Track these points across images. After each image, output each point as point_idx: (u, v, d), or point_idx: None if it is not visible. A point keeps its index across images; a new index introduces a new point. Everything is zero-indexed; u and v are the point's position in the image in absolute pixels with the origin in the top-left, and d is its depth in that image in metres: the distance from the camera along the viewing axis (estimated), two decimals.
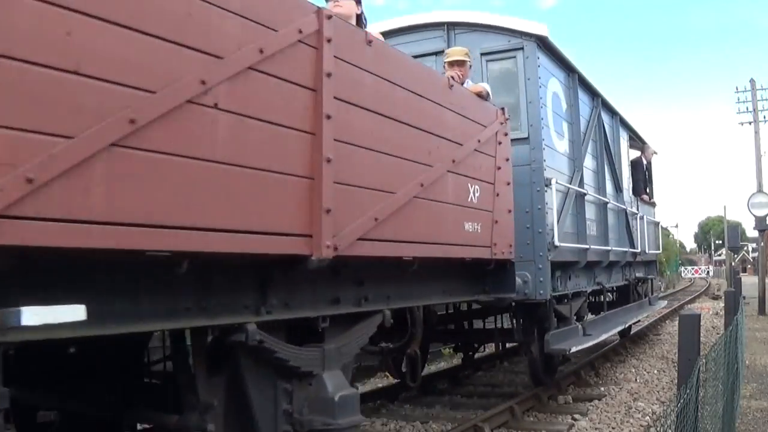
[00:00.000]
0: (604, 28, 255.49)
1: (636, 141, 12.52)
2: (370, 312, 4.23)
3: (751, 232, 35.91)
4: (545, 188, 6.75)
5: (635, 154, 12.54)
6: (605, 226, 9.01)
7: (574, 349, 7.12)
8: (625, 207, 10.42)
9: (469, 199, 5.07)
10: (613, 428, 6.36)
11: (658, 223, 14.23)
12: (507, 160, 5.72)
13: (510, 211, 5.68)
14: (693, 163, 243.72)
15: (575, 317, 8.20)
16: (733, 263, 34.29)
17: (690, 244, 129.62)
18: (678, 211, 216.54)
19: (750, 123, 26.17)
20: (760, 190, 22.28)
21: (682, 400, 2.94)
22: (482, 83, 6.19)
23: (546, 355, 7.28)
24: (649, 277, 12.97)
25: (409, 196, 4.21)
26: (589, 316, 9.33)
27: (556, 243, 6.73)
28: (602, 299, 9.80)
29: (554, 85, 7.63)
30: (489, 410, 6.60)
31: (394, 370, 7.64)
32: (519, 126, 6.81)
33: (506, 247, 5.56)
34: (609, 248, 9.03)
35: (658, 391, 8.03)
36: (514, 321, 7.34)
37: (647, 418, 6.68)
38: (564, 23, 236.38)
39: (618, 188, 10.14)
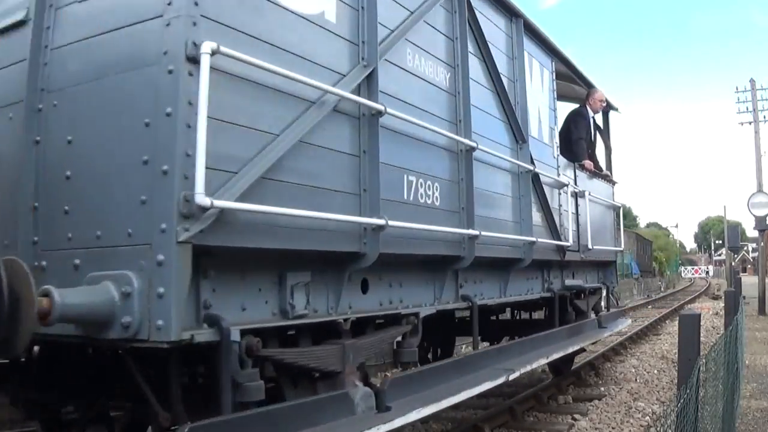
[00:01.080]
0: (604, 27, 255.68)
1: (575, 81, 8.36)
2: None
3: (751, 232, 35.99)
4: (189, 67, 2.78)
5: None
6: (467, 191, 5.02)
7: None
8: (531, 168, 6.11)
9: None
10: (613, 428, 6.36)
11: (619, 207, 9.29)
12: None
13: None
14: (693, 162, 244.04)
15: (363, 373, 4.06)
16: (733, 263, 34.37)
17: (690, 244, 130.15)
18: (678, 211, 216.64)
19: (750, 123, 26.26)
20: (760, 190, 22.35)
21: (682, 400, 2.93)
22: None
23: None
24: (598, 285, 8.56)
25: None
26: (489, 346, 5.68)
27: (201, 200, 2.69)
28: (477, 324, 5.25)
29: None
30: (489, 410, 6.60)
31: None
32: None
33: None
34: (476, 233, 4.90)
35: (658, 391, 8.03)
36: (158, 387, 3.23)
37: (647, 418, 6.68)
38: (564, 23, 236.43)
39: (518, 136, 6.05)
